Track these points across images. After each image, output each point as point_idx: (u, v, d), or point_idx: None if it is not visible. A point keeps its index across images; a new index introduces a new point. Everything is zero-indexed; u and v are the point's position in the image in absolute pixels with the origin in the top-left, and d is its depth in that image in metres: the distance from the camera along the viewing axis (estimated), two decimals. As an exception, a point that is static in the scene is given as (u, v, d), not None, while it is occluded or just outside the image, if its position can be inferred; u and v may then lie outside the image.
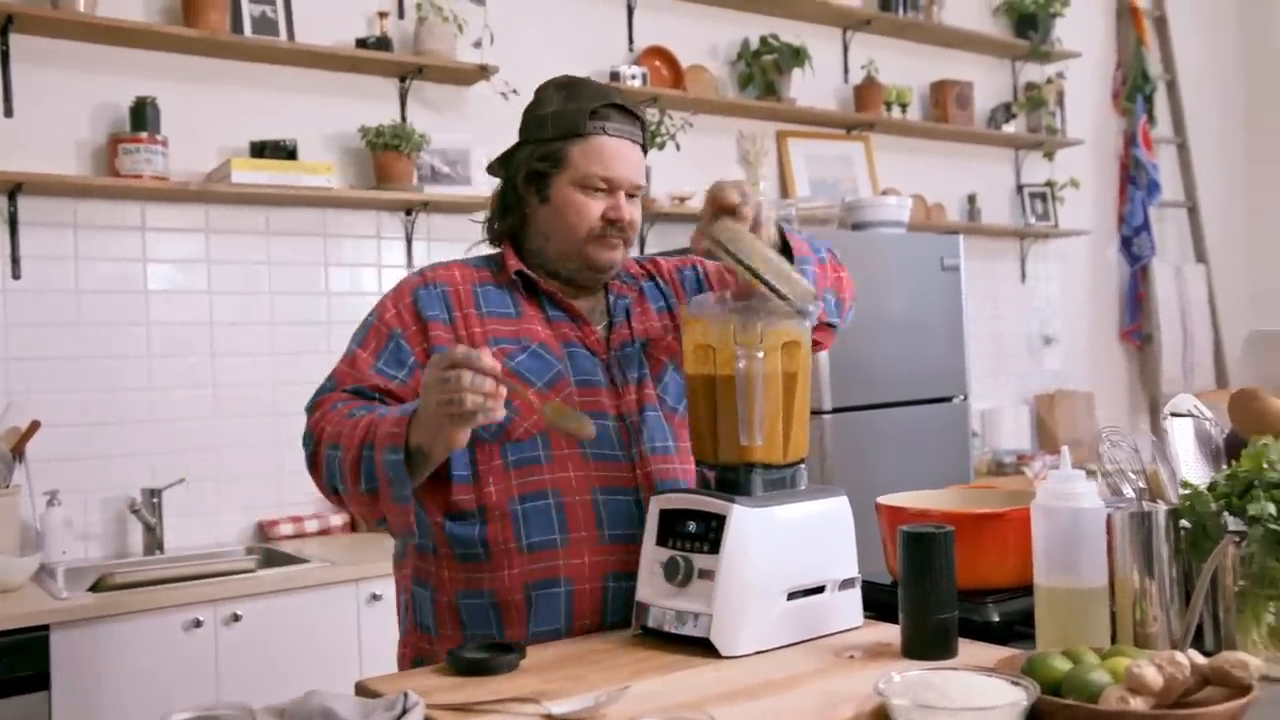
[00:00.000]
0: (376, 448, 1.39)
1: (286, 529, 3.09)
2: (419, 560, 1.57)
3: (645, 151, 1.64)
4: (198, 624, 2.49)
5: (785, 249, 1.53)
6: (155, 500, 2.92)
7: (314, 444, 1.49)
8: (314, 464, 1.50)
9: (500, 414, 1.32)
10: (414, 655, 1.59)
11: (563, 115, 1.57)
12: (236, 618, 2.54)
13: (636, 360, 1.61)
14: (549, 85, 1.64)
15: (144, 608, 2.44)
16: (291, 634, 2.60)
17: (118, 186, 2.89)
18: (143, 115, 2.93)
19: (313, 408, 1.54)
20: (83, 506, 2.90)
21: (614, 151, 1.57)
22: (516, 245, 1.64)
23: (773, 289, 1.38)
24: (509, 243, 1.64)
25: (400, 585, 1.64)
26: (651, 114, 3.77)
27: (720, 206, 1.42)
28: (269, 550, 2.95)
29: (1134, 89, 5.25)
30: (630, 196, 1.60)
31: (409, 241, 3.40)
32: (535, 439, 1.51)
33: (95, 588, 2.53)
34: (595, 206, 1.56)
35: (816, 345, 1.62)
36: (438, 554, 1.54)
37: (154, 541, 2.91)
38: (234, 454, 3.11)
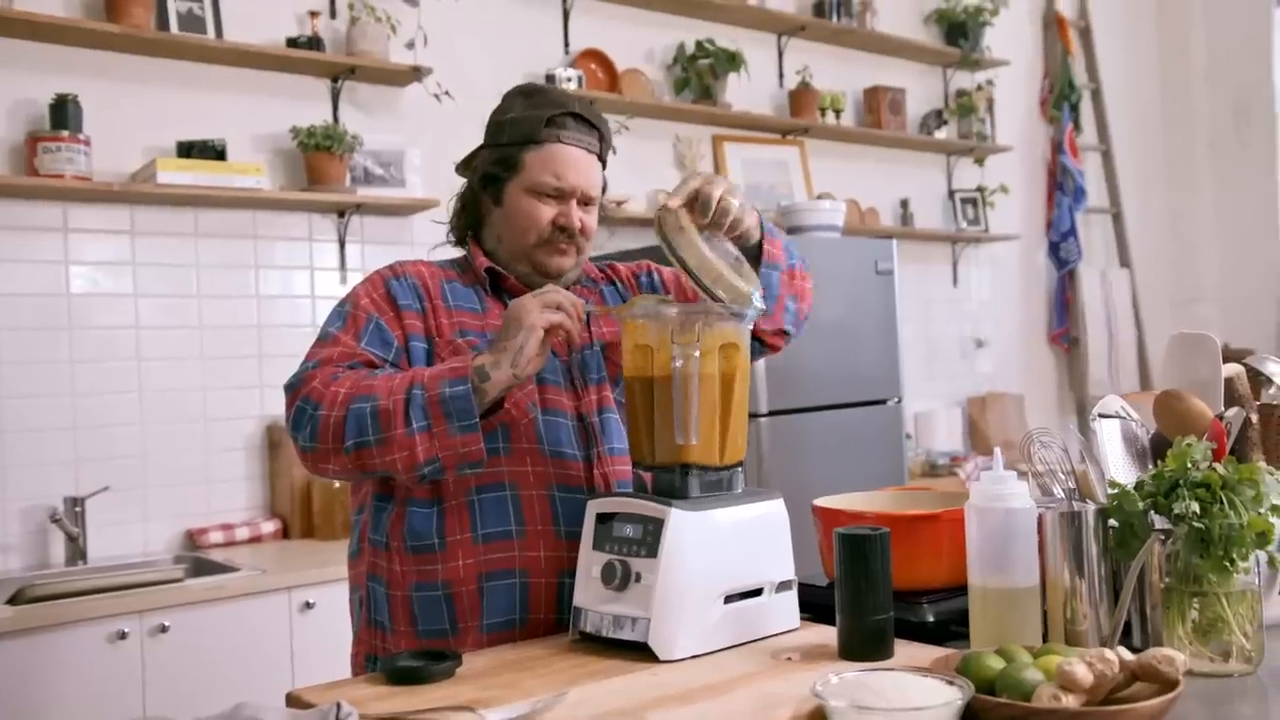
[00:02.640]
0: (428, 387, 1.40)
1: (216, 537, 3.02)
2: (374, 556, 1.57)
3: (604, 163, 1.67)
4: (123, 636, 2.42)
5: (758, 251, 1.56)
6: (78, 509, 2.84)
7: (320, 407, 1.43)
8: (319, 427, 1.43)
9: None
10: (367, 652, 1.59)
11: (520, 122, 1.60)
12: (164, 629, 2.47)
13: (596, 363, 1.64)
14: (514, 91, 1.67)
15: (67, 620, 2.37)
16: (222, 645, 2.54)
17: (37, 187, 2.81)
18: (63, 113, 2.85)
19: (300, 382, 1.48)
20: (1, 517, 2.81)
21: (567, 159, 1.60)
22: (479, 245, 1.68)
23: (704, 289, 1.39)
24: (474, 242, 1.67)
25: (354, 583, 1.64)
26: (588, 117, 3.76)
27: (688, 199, 1.44)
28: (198, 559, 2.88)
29: (1060, 97, 5.37)
30: (585, 205, 1.62)
31: (342, 244, 3.35)
32: (495, 431, 1.51)
33: (14, 600, 2.45)
34: (545, 212, 1.59)
35: (770, 348, 1.67)
36: (389, 548, 1.54)
37: (77, 552, 2.83)
38: (161, 461, 3.04)
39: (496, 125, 1.64)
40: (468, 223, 1.68)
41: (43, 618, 2.35)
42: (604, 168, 1.68)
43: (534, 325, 1.41)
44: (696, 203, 1.44)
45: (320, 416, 1.43)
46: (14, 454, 2.84)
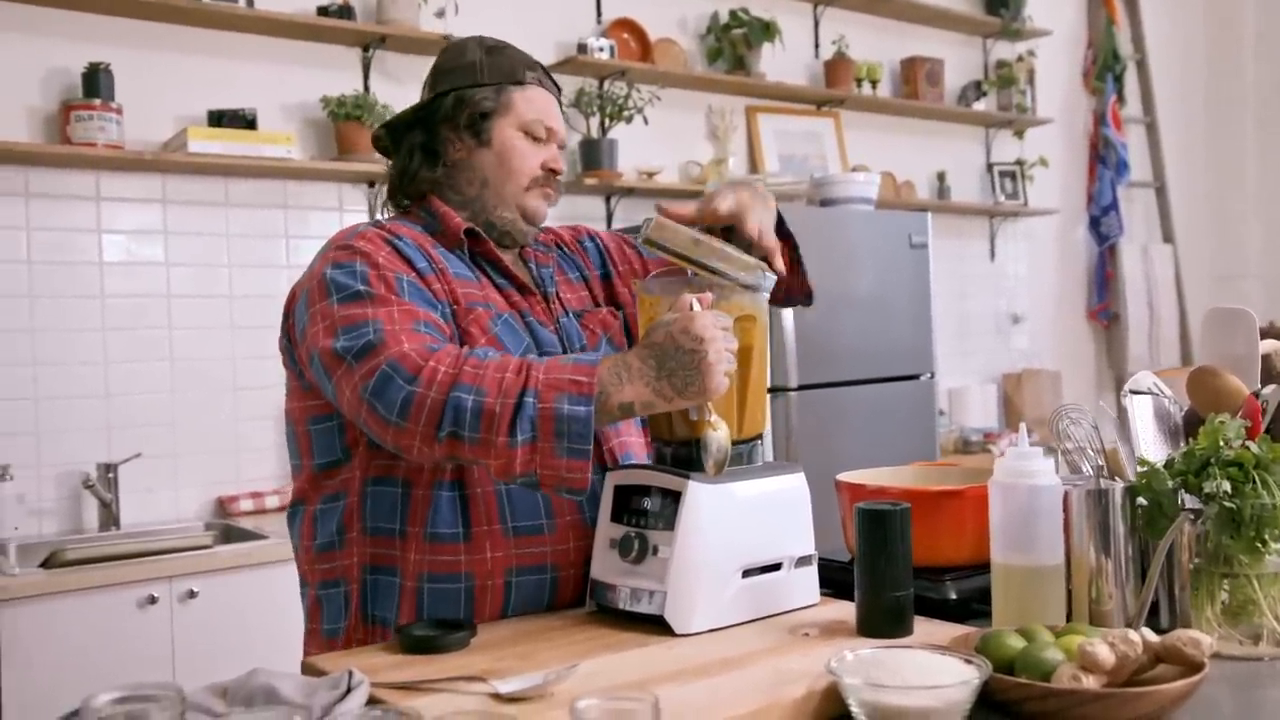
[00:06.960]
0: (542, 396, 1.25)
1: (246, 505, 3.05)
2: (374, 546, 1.45)
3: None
4: (153, 601, 2.46)
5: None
6: (111, 475, 2.87)
7: (416, 381, 1.27)
8: (411, 404, 1.26)
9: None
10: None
11: (499, 63, 1.55)
12: (193, 594, 2.50)
13: (576, 333, 1.57)
14: (468, 40, 1.59)
15: (98, 584, 2.40)
16: (250, 611, 2.56)
17: (70, 155, 2.83)
18: (96, 82, 2.86)
19: (379, 344, 1.31)
20: (35, 482, 2.85)
21: (549, 106, 1.57)
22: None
23: (708, 268, 1.35)
24: (438, 201, 1.55)
25: (326, 577, 1.48)
26: (619, 87, 3.73)
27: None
28: (227, 526, 2.91)
29: (1104, 68, 5.26)
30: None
31: (372, 214, 3.35)
32: None
33: (47, 564, 2.49)
34: (536, 154, 1.55)
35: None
36: (404, 535, 1.43)
37: (109, 517, 2.87)
38: (192, 429, 3.07)
39: (463, 69, 1.54)
40: (433, 177, 1.55)
41: (74, 581, 2.38)
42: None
43: (716, 370, 1.27)
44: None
45: (415, 394, 1.27)
46: (49, 420, 2.87)
